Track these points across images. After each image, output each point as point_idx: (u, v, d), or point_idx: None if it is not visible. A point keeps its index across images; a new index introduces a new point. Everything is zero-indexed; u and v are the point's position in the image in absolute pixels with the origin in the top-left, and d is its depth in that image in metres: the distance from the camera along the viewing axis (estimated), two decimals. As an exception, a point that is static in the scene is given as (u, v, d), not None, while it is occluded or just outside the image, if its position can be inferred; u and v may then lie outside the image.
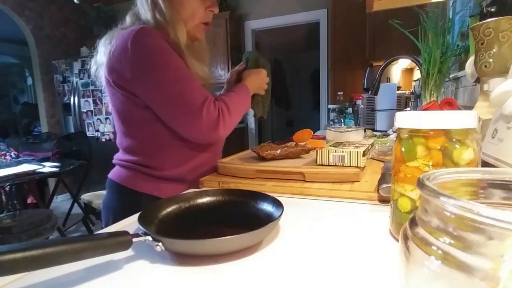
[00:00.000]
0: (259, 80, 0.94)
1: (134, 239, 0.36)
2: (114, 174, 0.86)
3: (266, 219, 0.40)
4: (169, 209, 0.49)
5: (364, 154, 0.64)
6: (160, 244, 0.36)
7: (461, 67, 1.34)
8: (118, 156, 0.86)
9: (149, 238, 0.37)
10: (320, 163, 0.67)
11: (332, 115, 2.74)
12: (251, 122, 4.06)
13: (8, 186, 2.15)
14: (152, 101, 0.75)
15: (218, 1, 0.86)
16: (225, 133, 0.79)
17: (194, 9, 0.80)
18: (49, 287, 0.33)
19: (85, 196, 2.49)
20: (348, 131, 1.07)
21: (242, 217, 0.49)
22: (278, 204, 0.47)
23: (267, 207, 0.48)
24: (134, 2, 0.82)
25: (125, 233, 0.36)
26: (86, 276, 0.34)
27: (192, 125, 0.74)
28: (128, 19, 0.83)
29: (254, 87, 0.92)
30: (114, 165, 0.88)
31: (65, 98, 3.86)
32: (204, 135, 0.76)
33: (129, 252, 0.39)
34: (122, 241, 0.35)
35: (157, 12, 0.77)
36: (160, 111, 0.76)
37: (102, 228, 0.55)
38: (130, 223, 0.52)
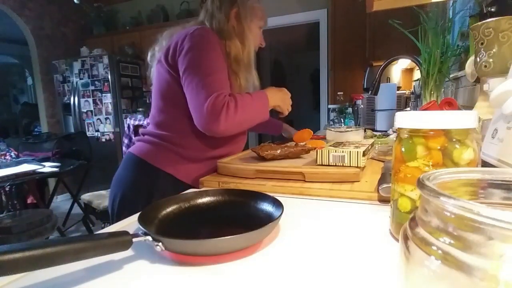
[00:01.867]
0: (282, 96, 0.97)
1: (134, 239, 0.36)
2: (136, 148, 0.93)
3: (266, 219, 0.40)
4: (169, 209, 0.49)
5: (364, 154, 0.64)
6: (160, 244, 0.36)
7: (461, 67, 1.34)
8: (146, 131, 0.94)
9: (149, 238, 0.37)
10: (320, 163, 0.67)
11: (332, 115, 2.74)
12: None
13: (8, 186, 2.15)
14: (183, 78, 0.83)
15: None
16: (226, 128, 0.79)
17: (257, 36, 1.02)
18: (49, 287, 0.33)
19: (85, 196, 2.49)
20: (348, 131, 1.07)
21: (242, 217, 0.49)
22: (278, 204, 0.47)
23: (267, 207, 0.48)
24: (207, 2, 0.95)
25: (125, 233, 0.36)
26: (86, 276, 0.34)
27: (197, 111, 0.80)
28: (201, 18, 0.96)
29: (275, 98, 0.94)
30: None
31: (65, 98, 3.86)
32: (205, 124, 0.79)
33: (129, 252, 0.39)
34: (122, 241, 0.35)
35: (236, 30, 0.93)
36: (185, 89, 0.83)
37: (102, 228, 0.56)
38: (130, 223, 0.52)
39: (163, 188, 0.86)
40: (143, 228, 0.38)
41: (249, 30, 0.95)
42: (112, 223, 0.58)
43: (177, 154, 0.88)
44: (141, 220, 0.41)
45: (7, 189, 2.21)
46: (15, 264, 0.28)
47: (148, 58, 0.96)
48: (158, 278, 0.34)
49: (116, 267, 0.36)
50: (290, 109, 1.01)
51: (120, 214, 0.89)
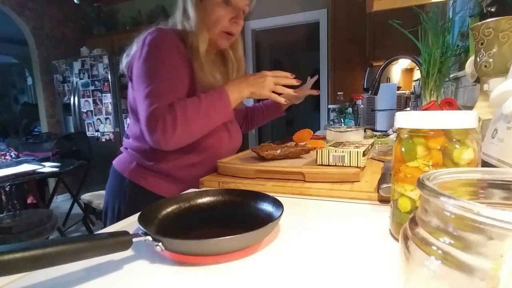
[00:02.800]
0: (252, 81, 0.81)
1: (134, 239, 0.36)
2: (116, 158, 0.91)
3: (266, 219, 0.40)
4: (169, 209, 0.49)
5: (364, 154, 0.64)
6: (160, 244, 0.36)
7: (461, 67, 1.34)
8: (125, 141, 0.91)
9: (149, 238, 0.37)
10: (320, 163, 0.67)
11: (332, 115, 2.74)
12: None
13: (8, 186, 2.15)
14: (131, 92, 0.80)
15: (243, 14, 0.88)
16: (167, 142, 0.71)
17: (218, 18, 0.83)
18: (49, 287, 0.33)
19: (85, 196, 2.49)
20: (348, 131, 1.07)
21: (242, 217, 0.49)
22: (278, 204, 0.47)
23: (267, 207, 0.48)
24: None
25: (125, 233, 0.36)
26: (86, 276, 0.34)
27: (141, 122, 0.74)
28: (171, 17, 0.90)
29: (241, 88, 0.80)
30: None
31: (65, 98, 3.86)
32: (148, 140, 0.73)
33: (129, 252, 0.39)
34: (122, 241, 0.35)
35: (185, 18, 0.83)
36: (135, 103, 0.79)
37: (102, 228, 0.55)
38: (130, 223, 0.52)
39: (132, 199, 0.83)
40: (143, 228, 0.38)
41: (197, 14, 0.81)
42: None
43: (143, 166, 0.83)
44: (141, 220, 0.41)
45: (7, 189, 2.21)
46: (15, 264, 0.28)
47: (121, 66, 0.88)
48: (158, 278, 0.34)
49: (116, 267, 0.36)
50: (272, 87, 0.82)
51: (105, 221, 0.91)
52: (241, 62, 0.96)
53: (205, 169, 0.82)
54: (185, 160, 0.82)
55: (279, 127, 6.02)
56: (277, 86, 0.82)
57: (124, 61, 0.85)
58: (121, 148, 0.91)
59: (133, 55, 0.81)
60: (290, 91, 0.87)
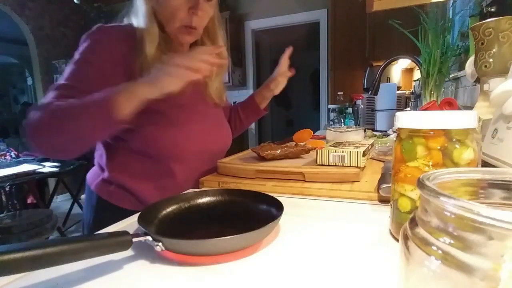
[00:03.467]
0: (163, 71, 0.61)
1: (134, 239, 0.36)
2: (90, 170, 0.86)
3: (266, 219, 0.40)
4: (169, 209, 0.49)
5: (364, 154, 0.64)
6: (160, 244, 0.36)
7: (461, 67, 1.34)
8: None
9: (149, 238, 0.37)
10: (320, 163, 0.67)
11: (332, 115, 2.74)
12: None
13: (8, 186, 2.15)
14: None
15: (218, 2, 0.78)
16: (35, 145, 0.60)
17: (173, 10, 0.71)
18: (49, 287, 0.33)
19: (85, 196, 2.49)
20: (348, 131, 1.07)
21: (242, 217, 0.49)
22: (278, 204, 0.47)
23: (267, 207, 0.48)
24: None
25: (125, 233, 0.36)
26: (86, 276, 0.34)
27: None
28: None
29: (140, 86, 0.60)
30: None
31: (65, 98, 3.86)
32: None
33: (129, 252, 0.39)
34: (122, 241, 0.35)
35: (133, 14, 0.75)
36: None
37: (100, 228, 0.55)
38: (129, 224, 0.52)
39: (98, 213, 0.78)
40: (143, 228, 0.38)
41: (145, 3, 0.72)
42: None
43: (101, 177, 0.78)
44: (141, 220, 0.41)
45: (7, 189, 2.21)
46: (15, 264, 0.28)
47: None
48: (158, 278, 0.34)
49: (116, 267, 0.36)
50: (184, 75, 0.60)
51: (83, 233, 0.87)
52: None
53: (170, 182, 0.74)
54: (135, 170, 0.73)
55: (279, 127, 6.02)
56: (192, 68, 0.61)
57: None
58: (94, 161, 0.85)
59: None
60: (208, 67, 0.63)
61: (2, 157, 2.66)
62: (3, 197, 2.28)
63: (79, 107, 0.59)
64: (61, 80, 0.66)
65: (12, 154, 2.76)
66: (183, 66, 0.60)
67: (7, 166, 2.32)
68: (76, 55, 0.68)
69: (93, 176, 0.82)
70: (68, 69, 0.67)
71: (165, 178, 0.76)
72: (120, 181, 0.76)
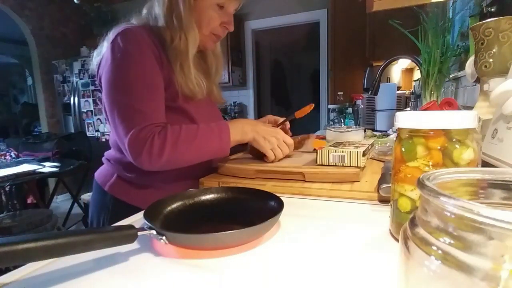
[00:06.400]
0: (261, 130, 0.75)
1: (139, 233, 0.37)
2: (98, 170, 0.85)
3: (266, 216, 0.41)
4: (174, 205, 0.51)
5: (364, 154, 0.64)
6: (163, 237, 0.38)
7: (461, 67, 1.34)
8: (107, 152, 0.84)
9: (153, 232, 0.38)
10: (320, 163, 0.67)
11: (332, 115, 2.74)
12: (251, 122, 4.05)
13: (8, 186, 2.15)
14: (104, 101, 0.72)
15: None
16: (152, 166, 0.67)
17: (210, 20, 0.78)
18: (59, 277, 0.35)
19: (85, 196, 2.50)
20: (348, 131, 1.07)
21: (243, 214, 0.50)
22: (278, 201, 0.48)
23: (267, 204, 0.49)
24: None
25: (130, 227, 0.37)
26: (94, 267, 0.36)
27: (121, 145, 0.70)
28: (144, 11, 0.82)
29: (245, 130, 0.74)
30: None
31: (65, 98, 3.86)
32: (129, 158, 0.68)
33: (135, 245, 0.41)
34: (127, 234, 0.37)
35: (174, 15, 0.74)
36: (107, 114, 0.72)
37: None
38: (137, 220, 0.53)
39: (115, 214, 0.75)
40: (147, 222, 0.40)
41: (189, 13, 0.74)
42: None
43: (123, 178, 0.78)
44: (146, 215, 0.43)
45: (7, 189, 2.21)
46: (28, 253, 0.30)
47: (91, 65, 0.80)
48: (162, 269, 0.36)
49: (122, 259, 0.38)
50: (274, 147, 0.74)
51: None
52: (219, 57, 0.91)
53: (194, 175, 0.75)
54: (174, 172, 0.73)
55: (279, 127, 6.01)
56: (276, 148, 0.75)
57: (95, 61, 0.77)
58: (103, 159, 0.85)
59: (103, 56, 0.73)
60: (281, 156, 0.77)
61: (2, 157, 2.66)
62: (3, 197, 2.28)
63: (201, 137, 0.70)
64: (128, 99, 0.67)
65: (12, 154, 2.76)
66: (278, 146, 0.75)
67: (7, 166, 2.32)
68: (124, 65, 0.68)
69: (105, 175, 0.81)
70: (126, 84, 0.68)
71: (190, 176, 0.76)
72: (147, 182, 0.76)
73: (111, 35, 0.73)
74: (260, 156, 0.77)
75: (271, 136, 0.75)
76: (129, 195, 0.77)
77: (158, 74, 0.71)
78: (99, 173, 0.83)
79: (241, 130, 0.74)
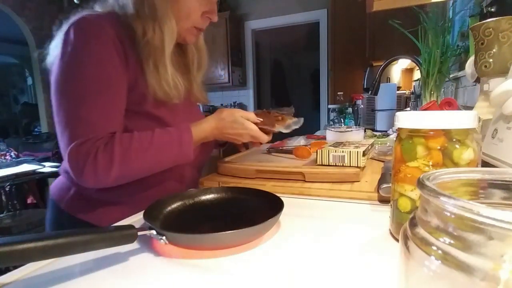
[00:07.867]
0: (227, 124, 0.67)
1: (139, 233, 0.37)
2: (53, 183, 0.73)
3: (266, 216, 0.41)
4: (174, 205, 0.51)
5: (364, 154, 0.64)
6: (163, 237, 0.38)
7: (461, 67, 1.34)
8: (63, 162, 0.66)
9: (153, 232, 0.38)
10: (320, 163, 0.67)
11: (332, 115, 2.74)
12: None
13: (8, 186, 2.15)
14: (52, 101, 0.60)
15: (218, 6, 0.72)
16: (97, 183, 0.57)
17: (190, 10, 0.67)
18: (59, 277, 0.35)
19: (85, 196, 2.49)
20: (348, 131, 1.07)
21: (243, 214, 0.50)
22: (278, 201, 0.48)
23: (267, 204, 0.49)
24: None
25: (130, 227, 0.37)
26: (94, 267, 0.36)
27: (64, 157, 0.59)
28: None
29: (205, 135, 0.67)
30: None
31: (65, 98, 3.85)
32: (73, 176, 0.58)
33: (135, 245, 0.41)
34: (127, 234, 0.37)
35: (146, 1, 0.62)
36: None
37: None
38: (137, 220, 0.53)
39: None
40: (147, 223, 0.40)
41: (165, 3, 0.63)
42: None
43: (81, 195, 0.67)
44: (146, 215, 0.43)
45: (7, 189, 2.21)
46: (27, 253, 0.30)
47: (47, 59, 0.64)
48: (162, 269, 0.36)
49: (122, 259, 0.38)
50: (246, 140, 0.71)
51: None
52: (201, 50, 0.79)
53: (164, 188, 0.68)
54: (139, 183, 0.63)
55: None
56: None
57: (52, 55, 0.62)
58: (59, 169, 0.73)
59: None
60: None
61: (2, 157, 2.66)
62: (3, 197, 2.28)
63: (158, 144, 0.60)
64: (75, 105, 0.57)
65: (12, 154, 2.75)
66: (252, 139, 0.71)
67: (7, 166, 2.32)
68: (76, 65, 0.58)
69: (61, 189, 0.69)
70: (76, 87, 0.57)
71: (161, 190, 0.68)
72: (108, 198, 0.66)
73: (64, 25, 0.60)
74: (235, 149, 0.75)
75: (240, 134, 0.69)
76: (87, 213, 0.66)
77: (118, 74, 0.60)
78: (55, 187, 0.71)
79: (205, 134, 0.67)
